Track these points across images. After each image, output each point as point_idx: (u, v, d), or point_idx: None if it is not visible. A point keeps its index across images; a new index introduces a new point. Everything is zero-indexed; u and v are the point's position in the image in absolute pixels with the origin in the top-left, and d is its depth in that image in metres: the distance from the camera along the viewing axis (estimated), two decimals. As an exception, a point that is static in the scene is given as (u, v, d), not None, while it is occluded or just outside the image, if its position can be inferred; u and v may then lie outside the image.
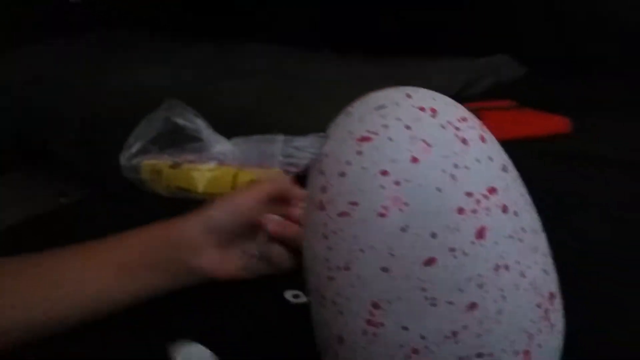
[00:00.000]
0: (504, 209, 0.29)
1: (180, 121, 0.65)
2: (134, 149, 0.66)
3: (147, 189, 0.66)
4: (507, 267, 0.29)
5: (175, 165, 0.65)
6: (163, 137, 0.67)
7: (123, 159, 0.66)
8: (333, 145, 0.30)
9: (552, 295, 0.32)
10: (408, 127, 0.28)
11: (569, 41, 0.91)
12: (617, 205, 0.54)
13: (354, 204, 0.28)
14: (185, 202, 0.64)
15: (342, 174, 0.29)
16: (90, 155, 0.99)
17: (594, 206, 0.54)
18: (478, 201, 0.28)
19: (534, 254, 0.30)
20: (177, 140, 0.67)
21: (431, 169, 0.28)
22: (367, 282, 0.29)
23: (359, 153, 0.29)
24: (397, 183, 0.28)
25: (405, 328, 0.29)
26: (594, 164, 0.62)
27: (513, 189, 0.30)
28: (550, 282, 0.32)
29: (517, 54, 0.96)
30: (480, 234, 0.28)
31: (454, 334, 0.29)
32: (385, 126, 0.29)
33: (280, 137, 0.63)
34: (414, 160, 0.28)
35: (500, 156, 0.30)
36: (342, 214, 0.29)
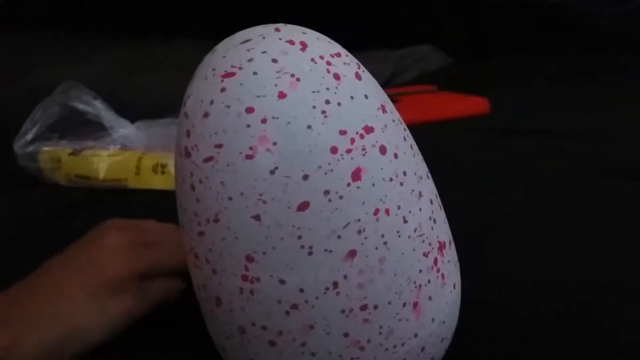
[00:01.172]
0: (382, 150, 0.27)
1: (78, 105, 0.61)
2: (29, 136, 0.62)
3: (45, 178, 0.62)
4: (387, 212, 0.27)
5: (75, 152, 0.61)
6: (62, 123, 0.63)
7: (17, 146, 0.62)
8: (196, 85, 0.27)
9: (442, 246, 0.30)
10: (275, 61, 0.26)
11: (485, 27, 0.93)
12: (535, 174, 0.55)
13: (219, 146, 0.26)
14: (85, 192, 0.60)
15: (206, 115, 0.27)
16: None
17: (513, 174, 0.55)
18: (353, 140, 0.26)
19: (418, 200, 0.29)
20: (77, 125, 0.63)
21: (300, 104, 0.26)
22: (239, 233, 0.27)
23: (223, 90, 0.26)
24: (263, 121, 0.26)
25: (282, 281, 0.27)
26: (512, 137, 0.63)
27: (393, 131, 0.28)
28: (439, 231, 0.30)
29: (439, 44, 0.97)
30: (356, 175, 0.26)
31: (335, 284, 0.27)
32: (251, 60, 0.26)
33: None
34: (282, 95, 0.26)
35: (379, 96, 0.29)
36: (207, 159, 0.26)
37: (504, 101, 0.71)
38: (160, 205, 0.56)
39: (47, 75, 0.67)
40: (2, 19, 1.35)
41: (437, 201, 0.31)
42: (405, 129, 0.30)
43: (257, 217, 0.26)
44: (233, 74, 0.26)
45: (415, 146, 0.30)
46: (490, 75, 0.83)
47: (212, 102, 0.26)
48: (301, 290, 0.27)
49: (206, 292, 0.29)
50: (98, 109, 0.61)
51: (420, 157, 0.30)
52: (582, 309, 0.37)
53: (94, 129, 0.63)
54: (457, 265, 0.32)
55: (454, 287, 0.31)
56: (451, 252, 0.31)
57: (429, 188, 0.30)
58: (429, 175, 0.31)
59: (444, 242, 0.30)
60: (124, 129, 0.61)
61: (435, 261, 0.29)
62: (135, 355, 0.35)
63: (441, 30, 1.01)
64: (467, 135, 0.63)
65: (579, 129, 0.61)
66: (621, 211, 0.47)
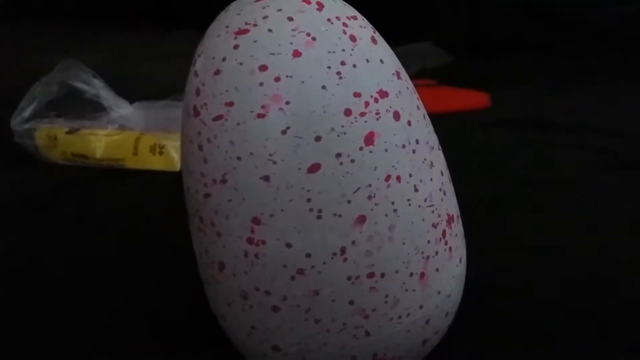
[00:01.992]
0: (396, 116, 0.27)
1: (77, 84, 0.60)
2: (26, 113, 0.61)
3: (41, 156, 0.61)
4: (398, 179, 0.27)
5: (72, 131, 0.61)
6: (60, 101, 0.62)
7: (14, 123, 0.61)
8: (208, 42, 0.27)
9: (450, 219, 0.30)
10: (290, 19, 0.26)
11: (486, 26, 0.93)
12: (538, 164, 0.55)
13: (230, 104, 0.26)
14: (81, 171, 0.60)
15: (217, 72, 0.26)
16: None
17: (517, 165, 0.56)
18: (367, 103, 0.26)
19: (430, 170, 0.28)
20: (75, 104, 0.62)
21: (316, 64, 0.25)
22: (246, 194, 0.26)
23: (236, 47, 0.26)
24: (277, 79, 0.25)
25: (289, 245, 0.26)
26: (514, 130, 0.63)
27: (407, 98, 0.28)
28: (448, 203, 0.30)
29: (439, 41, 0.97)
30: (370, 139, 0.26)
31: (342, 250, 0.26)
32: (266, 17, 0.26)
33: None
34: (296, 54, 0.25)
35: (394, 62, 0.28)
36: (217, 118, 0.26)
37: (505, 96, 0.70)
38: (156, 186, 0.56)
39: (45, 61, 0.66)
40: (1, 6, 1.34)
41: (447, 174, 0.30)
42: (418, 99, 0.29)
43: (266, 178, 0.26)
44: (247, 30, 0.26)
45: (427, 117, 0.30)
46: (491, 72, 0.83)
47: (224, 59, 0.26)
48: (308, 255, 0.26)
49: (209, 257, 0.29)
50: (97, 87, 0.60)
51: (432, 128, 0.30)
52: (587, 289, 0.37)
53: (92, 109, 0.62)
54: (464, 240, 0.32)
55: (460, 262, 0.31)
56: (458, 227, 0.31)
57: (440, 160, 0.30)
58: (440, 147, 0.30)
59: (452, 215, 0.30)
60: (123, 109, 0.61)
61: (444, 233, 0.29)
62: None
63: (442, 28, 1.01)
64: (468, 128, 0.63)
65: (581, 123, 0.61)
66: (625, 200, 0.47)
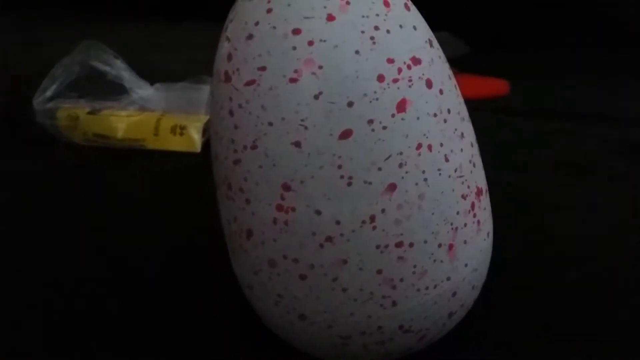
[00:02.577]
0: (429, 84, 0.27)
1: (98, 65, 0.60)
2: (48, 93, 0.61)
3: (62, 136, 0.61)
4: (429, 148, 0.26)
5: (93, 111, 0.61)
6: (81, 82, 0.62)
7: (36, 102, 0.61)
8: (240, 7, 0.27)
9: (479, 191, 0.29)
10: None
11: (503, 17, 0.93)
12: (558, 152, 0.55)
13: (262, 69, 0.25)
14: (102, 151, 0.60)
15: (250, 37, 0.26)
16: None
17: (537, 152, 0.56)
18: (400, 70, 0.26)
19: (460, 140, 0.28)
20: (96, 85, 0.62)
21: (349, 28, 0.25)
22: (277, 160, 0.26)
23: (269, 11, 0.26)
24: (310, 43, 0.25)
25: (318, 212, 0.26)
26: (534, 117, 0.63)
27: (439, 67, 0.28)
28: (477, 176, 0.29)
29: (456, 31, 0.97)
30: (402, 106, 0.26)
31: (372, 218, 0.26)
32: None
33: (207, 84, 0.59)
34: (330, 18, 0.25)
35: (427, 30, 0.28)
36: (249, 83, 0.26)
37: (523, 84, 0.70)
38: (177, 167, 0.56)
39: (63, 47, 0.67)
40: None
41: (477, 146, 0.30)
42: (449, 68, 0.29)
43: (297, 144, 0.26)
44: None
45: (458, 87, 0.29)
46: (508, 62, 0.83)
47: (257, 24, 0.26)
48: (337, 223, 0.26)
49: (237, 225, 0.28)
50: (118, 68, 0.61)
51: (462, 99, 0.30)
52: (609, 276, 0.37)
53: (112, 90, 0.62)
54: (491, 215, 0.31)
55: (488, 236, 0.30)
56: (487, 200, 0.31)
57: (470, 131, 0.29)
58: (470, 119, 0.30)
59: (481, 188, 0.30)
60: (143, 90, 0.61)
61: (473, 205, 0.29)
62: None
63: (458, 18, 1.00)
64: (489, 114, 0.63)
65: (600, 111, 0.61)
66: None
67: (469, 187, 0.28)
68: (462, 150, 0.28)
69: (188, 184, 0.52)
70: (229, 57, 0.27)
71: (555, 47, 0.85)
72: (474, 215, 0.29)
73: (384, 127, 0.25)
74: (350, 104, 0.25)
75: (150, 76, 0.64)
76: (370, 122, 0.25)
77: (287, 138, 0.26)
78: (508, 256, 0.36)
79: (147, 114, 0.59)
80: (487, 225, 0.30)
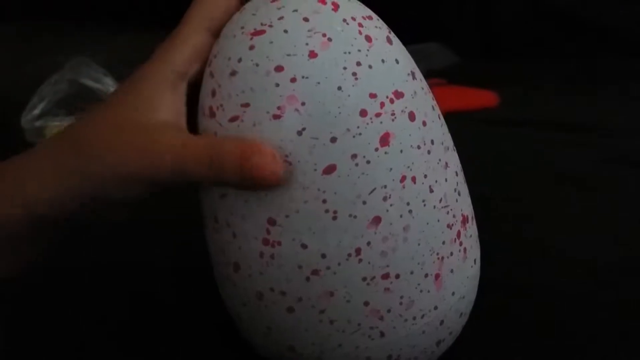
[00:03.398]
0: (411, 117, 0.27)
1: (88, 82, 0.60)
2: (36, 111, 0.61)
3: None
4: (413, 180, 0.27)
5: (82, 129, 0.60)
6: (70, 99, 0.62)
7: (24, 121, 0.61)
8: (223, 43, 0.27)
9: (465, 219, 0.30)
10: (306, 20, 0.26)
11: (495, 27, 0.92)
12: (548, 163, 0.56)
13: (246, 105, 0.25)
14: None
15: (233, 73, 0.26)
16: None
17: (526, 163, 0.56)
18: (382, 104, 0.26)
19: (445, 170, 0.28)
20: (86, 102, 0.62)
21: (331, 65, 0.25)
22: (262, 195, 0.26)
23: (251, 48, 0.26)
24: (293, 80, 0.25)
25: (304, 246, 0.26)
26: (523, 129, 0.63)
27: (422, 98, 0.28)
28: (463, 204, 0.29)
29: (447, 42, 0.97)
30: (385, 140, 0.26)
31: (357, 251, 0.26)
32: (281, 18, 0.26)
33: None
34: (312, 55, 0.25)
35: (409, 62, 0.28)
36: (233, 119, 0.26)
37: (513, 96, 0.70)
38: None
39: (52, 61, 0.66)
40: (3, 7, 1.33)
41: (462, 175, 0.30)
42: (433, 99, 0.29)
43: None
44: (263, 31, 0.26)
45: (442, 117, 0.30)
46: (498, 72, 0.83)
47: (240, 60, 0.26)
48: (323, 256, 0.26)
49: (224, 257, 0.28)
50: (107, 85, 0.60)
51: (447, 129, 0.30)
52: (605, 288, 0.37)
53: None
54: (477, 241, 0.31)
55: (475, 263, 0.31)
56: (473, 227, 0.31)
57: (455, 160, 0.29)
58: (454, 148, 0.30)
59: (467, 215, 0.30)
60: (133, 108, 0.60)
61: (459, 234, 0.29)
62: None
63: (449, 28, 1.00)
64: (478, 126, 0.63)
65: (589, 122, 0.61)
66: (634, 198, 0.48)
67: (454, 216, 0.28)
68: (446, 180, 0.28)
69: (180, 202, 0.51)
70: (213, 92, 0.27)
71: (545, 58, 0.85)
72: (460, 244, 0.29)
73: (368, 161, 0.26)
74: (333, 140, 0.25)
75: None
76: (354, 156, 0.25)
77: None
78: (496, 271, 0.36)
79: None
80: (474, 252, 0.30)
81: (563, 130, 0.60)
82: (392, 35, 0.28)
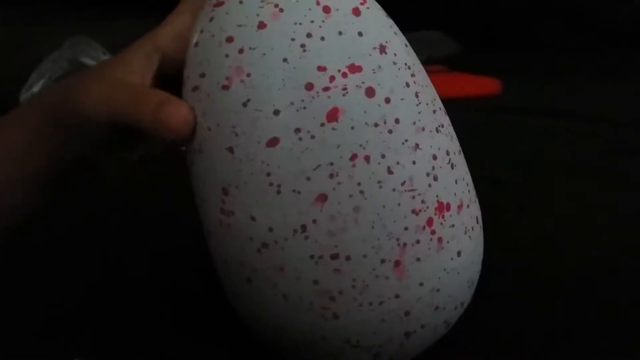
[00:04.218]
0: (369, 92, 0.24)
1: (87, 61, 0.59)
2: (35, 88, 0.60)
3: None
4: (366, 159, 0.24)
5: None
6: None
7: (23, 98, 0.59)
8: (198, 17, 0.27)
9: (442, 207, 0.26)
10: None
11: (495, 17, 0.83)
12: (549, 151, 0.53)
13: (202, 76, 0.25)
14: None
15: (196, 44, 0.26)
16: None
17: (527, 151, 0.52)
18: (332, 78, 0.24)
19: (413, 152, 0.25)
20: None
21: (279, 36, 0.24)
22: (217, 164, 0.26)
23: (211, 20, 0.25)
24: (240, 51, 0.24)
25: (253, 218, 0.25)
26: (524, 117, 0.59)
27: (390, 74, 0.25)
28: (441, 190, 0.26)
29: (449, 31, 0.88)
30: (332, 115, 0.24)
31: (303, 228, 0.25)
32: None
33: None
34: (262, 25, 0.24)
35: (381, 35, 0.26)
36: (194, 89, 0.26)
37: (515, 83, 0.65)
38: (163, 161, 0.53)
39: (51, 45, 0.67)
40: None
41: (449, 159, 0.27)
42: (412, 75, 0.26)
43: (230, 150, 0.25)
44: (222, 3, 0.25)
45: (427, 97, 0.27)
46: (500, 61, 0.76)
47: (201, 32, 0.26)
48: (270, 230, 0.25)
49: (203, 225, 0.29)
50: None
51: (433, 109, 0.27)
52: (604, 275, 0.35)
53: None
54: (472, 232, 0.28)
55: (459, 255, 0.27)
56: (460, 217, 0.27)
57: (437, 143, 0.26)
58: (445, 131, 0.27)
59: (447, 203, 0.27)
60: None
61: (430, 222, 0.26)
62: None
63: (450, 16, 0.91)
64: (480, 113, 0.59)
65: (590, 111, 0.57)
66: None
67: (423, 201, 0.26)
68: (414, 162, 0.25)
69: (178, 182, 0.49)
70: (184, 63, 0.27)
71: (547, 46, 0.77)
72: (432, 232, 0.26)
73: (312, 136, 0.24)
74: (276, 112, 0.24)
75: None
76: (298, 130, 0.24)
77: (223, 143, 0.25)
78: (500, 258, 0.33)
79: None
80: (458, 244, 0.27)
81: (565, 118, 0.56)
82: (367, 7, 0.26)
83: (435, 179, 0.26)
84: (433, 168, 0.26)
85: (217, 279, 0.31)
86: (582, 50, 0.74)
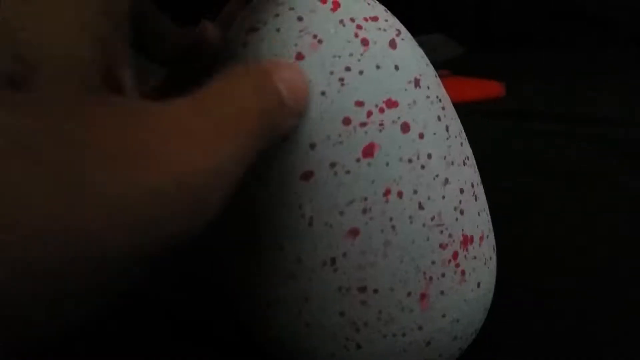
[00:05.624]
0: (404, 128, 0.23)
1: None
2: None
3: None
4: (399, 195, 0.23)
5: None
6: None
7: None
8: (227, 36, 0.25)
9: (467, 240, 0.25)
10: (300, 19, 0.23)
11: (496, 18, 0.82)
12: (552, 156, 0.51)
13: None
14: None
15: None
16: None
17: (530, 156, 0.51)
18: (370, 113, 0.22)
19: (442, 187, 0.24)
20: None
21: (317, 69, 0.22)
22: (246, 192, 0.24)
23: (244, 45, 0.23)
24: None
25: (281, 248, 0.24)
26: (528, 120, 0.58)
27: (424, 108, 0.24)
28: (467, 224, 0.25)
29: (450, 34, 0.87)
30: (368, 151, 0.22)
31: (332, 260, 0.23)
32: (277, 16, 0.23)
33: None
34: (299, 56, 0.22)
35: (415, 68, 0.24)
36: None
37: (518, 87, 0.64)
38: None
39: None
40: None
41: (473, 191, 0.26)
42: (443, 108, 0.25)
43: (261, 179, 0.23)
44: (258, 29, 0.23)
45: (455, 129, 0.25)
46: (503, 63, 0.75)
47: (233, 57, 0.24)
48: (299, 260, 0.24)
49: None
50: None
51: (460, 141, 0.25)
52: (608, 285, 0.33)
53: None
54: (490, 262, 0.27)
55: (478, 286, 0.26)
56: (481, 249, 0.26)
57: (464, 176, 0.25)
58: (470, 162, 0.26)
59: (471, 236, 0.25)
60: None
61: (455, 255, 0.25)
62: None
63: (452, 19, 0.90)
64: (484, 117, 0.58)
65: (593, 114, 0.56)
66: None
67: (450, 235, 0.24)
68: (443, 197, 0.24)
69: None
70: None
71: (549, 48, 0.76)
72: (457, 265, 0.25)
73: (347, 172, 0.22)
74: (312, 146, 0.22)
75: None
76: (333, 165, 0.22)
77: (253, 171, 0.23)
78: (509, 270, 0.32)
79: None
80: (478, 275, 0.26)
81: (568, 122, 0.55)
82: (401, 38, 0.24)
83: (462, 212, 0.25)
84: (460, 202, 0.25)
85: (219, 284, 0.29)
86: (584, 51, 0.73)
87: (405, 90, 0.23)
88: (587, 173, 0.46)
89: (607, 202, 0.42)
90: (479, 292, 0.26)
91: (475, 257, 0.26)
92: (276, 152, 0.23)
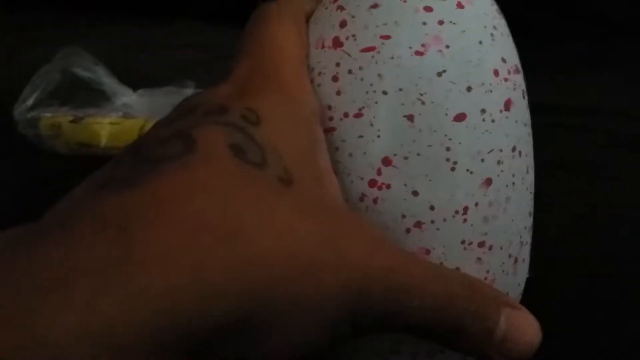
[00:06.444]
0: (523, 94, 0.24)
1: (79, 72, 0.52)
2: (29, 102, 0.51)
3: (45, 145, 0.51)
4: (520, 154, 0.23)
5: (75, 120, 0.52)
6: (63, 89, 0.53)
7: (17, 113, 0.51)
8: None
9: (530, 214, 0.27)
10: None
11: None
12: (558, 148, 0.48)
13: (386, 37, 0.22)
14: (85, 159, 0.50)
15: (375, 6, 0.22)
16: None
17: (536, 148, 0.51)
18: (509, 71, 0.23)
19: (533, 159, 0.25)
20: (78, 92, 0.54)
21: (475, 19, 0.22)
22: (383, 132, 0.22)
23: None
24: (440, 22, 0.22)
25: (415, 193, 0.22)
26: (533, 113, 0.58)
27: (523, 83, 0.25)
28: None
29: None
30: (508, 105, 0.23)
31: (465, 210, 0.22)
32: None
33: (190, 88, 0.53)
34: (459, 5, 0.22)
35: None
36: (367, 49, 0.22)
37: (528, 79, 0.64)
38: None
39: (46, 51, 0.58)
40: None
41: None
42: None
43: (410, 117, 0.21)
44: None
45: None
46: None
47: None
48: (431, 208, 0.22)
49: None
50: (99, 75, 0.53)
51: None
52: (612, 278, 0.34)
53: (95, 97, 0.54)
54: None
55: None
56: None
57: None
58: None
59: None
60: (126, 97, 0.53)
61: (531, 227, 0.26)
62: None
63: None
64: None
65: (598, 106, 0.54)
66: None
67: (531, 206, 0.25)
68: (532, 169, 0.25)
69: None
70: (343, 23, 0.23)
71: (551, 40, 0.72)
72: (529, 235, 0.26)
73: (493, 120, 0.22)
74: (469, 89, 0.22)
75: (135, 79, 0.56)
76: (483, 111, 0.22)
77: (401, 110, 0.21)
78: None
79: (130, 121, 0.51)
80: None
81: (573, 115, 0.53)
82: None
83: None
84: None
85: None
86: (574, 41, 0.66)
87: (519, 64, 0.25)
88: (591, 164, 0.45)
89: (609, 194, 0.41)
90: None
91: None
92: (432, 90, 0.21)
